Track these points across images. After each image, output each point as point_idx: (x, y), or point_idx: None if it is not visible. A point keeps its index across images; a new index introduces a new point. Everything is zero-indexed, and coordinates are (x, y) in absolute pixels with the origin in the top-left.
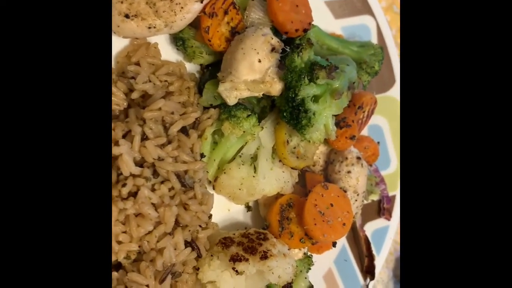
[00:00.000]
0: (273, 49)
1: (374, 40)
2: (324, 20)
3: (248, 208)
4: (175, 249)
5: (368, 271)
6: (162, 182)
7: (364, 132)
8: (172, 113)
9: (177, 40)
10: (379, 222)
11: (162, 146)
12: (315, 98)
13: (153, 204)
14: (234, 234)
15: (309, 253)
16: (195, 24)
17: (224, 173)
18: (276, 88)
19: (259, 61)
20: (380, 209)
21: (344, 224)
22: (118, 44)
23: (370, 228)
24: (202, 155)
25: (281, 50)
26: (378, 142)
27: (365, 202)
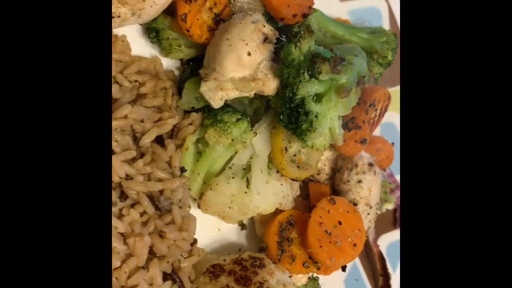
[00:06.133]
0: (265, 39)
1: (386, 25)
2: (328, 3)
3: (242, 226)
4: (150, 285)
5: None
6: (131, 206)
7: (376, 132)
8: (142, 121)
9: (150, 31)
10: (395, 235)
11: (132, 161)
12: (318, 97)
13: (121, 234)
14: (224, 260)
15: (315, 275)
16: (171, 11)
17: (210, 189)
18: (270, 86)
19: (249, 54)
20: (395, 219)
21: (355, 244)
22: None
23: (385, 242)
24: (182, 169)
25: (275, 40)
26: (393, 143)
27: (379, 212)
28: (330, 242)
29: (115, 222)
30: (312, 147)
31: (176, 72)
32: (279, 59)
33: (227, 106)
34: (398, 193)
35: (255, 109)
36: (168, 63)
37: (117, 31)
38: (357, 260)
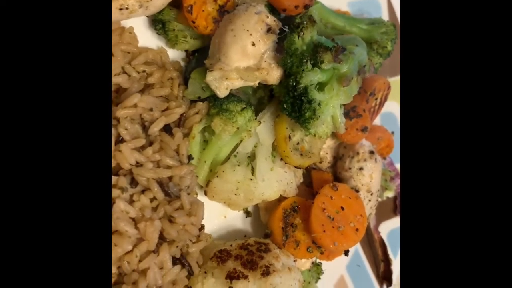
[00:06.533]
0: (269, 30)
1: (385, 16)
2: None
3: (247, 213)
4: (161, 268)
5: (385, 277)
6: (142, 192)
7: (376, 121)
8: (151, 109)
9: (156, 23)
10: (395, 221)
11: (141, 149)
12: (320, 86)
13: (132, 219)
14: (231, 245)
15: (318, 261)
16: (177, 3)
17: (217, 176)
18: (273, 75)
19: (253, 44)
20: (395, 207)
21: (357, 229)
22: None
23: (386, 229)
24: (190, 157)
25: (278, 31)
26: (392, 132)
27: (380, 200)
28: (333, 227)
29: (126, 207)
30: (315, 135)
31: (182, 63)
32: (282, 49)
33: (232, 96)
34: (398, 181)
35: (258, 99)
36: (174, 54)
37: (124, 23)
38: (358, 247)
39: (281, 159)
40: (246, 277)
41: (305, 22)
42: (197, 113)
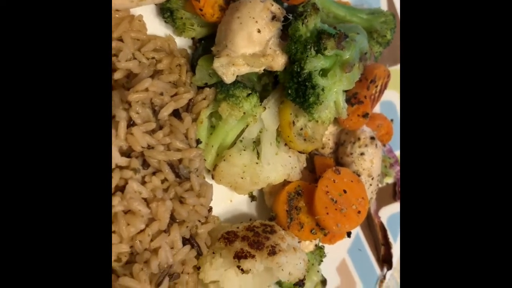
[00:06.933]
0: (273, 17)
1: (384, 6)
2: None
3: (252, 197)
4: (171, 248)
5: (385, 260)
6: (153, 174)
7: (376, 109)
8: (162, 94)
9: (164, 11)
10: (395, 207)
11: (152, 132)
12: (323, 72)
13: (144, 199)
14: (237, 227)
15: (320, 244)
16: None
17: (224, 160)
18: (278, 61)
19: (259, 31)
20: (395, 193)
21: (359, 212)
22: None
23: (385, 214)
24: (198, 141)
25: (283, 18)
26: (392, 120)
27: (380, 185)
28: (336, 209)
29: (139, 187)
30: (318, 120)
31: (188, 51)
32: (286, 37)
33: (238, 82)
34: (397, 167)
35: (263, 86)
36: (181, 42)
37: (134, 11)
38: (359, 231)
39: (285, 144)
40: (253, 256)
41: (309, 10)
42: (204, 99)
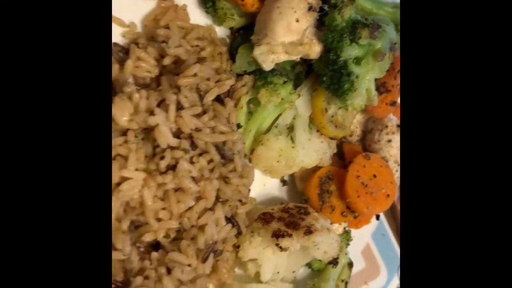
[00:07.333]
0: (310, 8)
1: None
2: None
3: (283, 182)
4: (216, 225)
5: None
6: (200, 155)
7: None
8: (208, 79)
9: (206, 1)
10: None
11: (198, 116)
12: (357, 61)
13: (193, 178)
14: (273, 209)
15: (347, 228)
16: None
17: (262, 144)
18: (315, 50)
19: (297, 20)
20: None
21: (388, 195)
22: (144, 6)
23: None
24: (238, 126)
25: (318, 9)
26: None
27: None
28: (366, 193)
29: (189, 166)
30: (351, 107)
31: (227, 40)
32: (321, 27)
33: (275, 70)
34: None
35: (296, 74)
36: (220, 32)
37: (177, 1)
38: (382, 217)
39: (317, 131)
40: (290, 235)
41: (345, 1)
42: (244, 86)
